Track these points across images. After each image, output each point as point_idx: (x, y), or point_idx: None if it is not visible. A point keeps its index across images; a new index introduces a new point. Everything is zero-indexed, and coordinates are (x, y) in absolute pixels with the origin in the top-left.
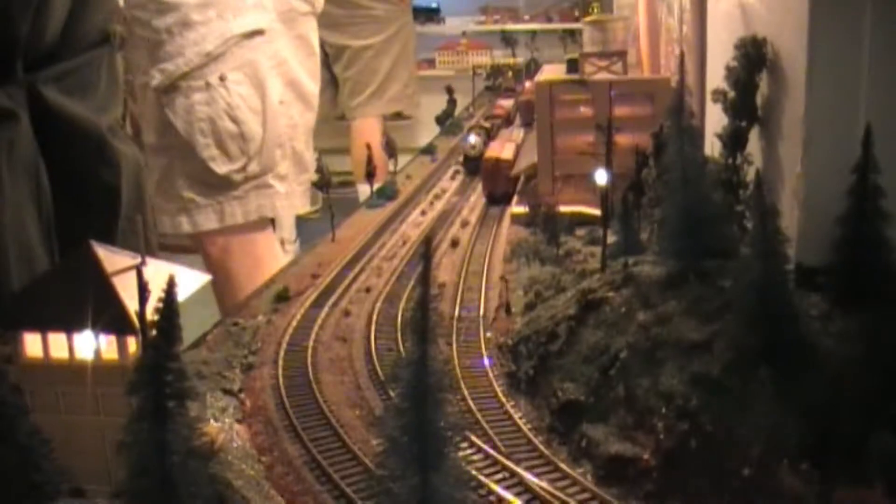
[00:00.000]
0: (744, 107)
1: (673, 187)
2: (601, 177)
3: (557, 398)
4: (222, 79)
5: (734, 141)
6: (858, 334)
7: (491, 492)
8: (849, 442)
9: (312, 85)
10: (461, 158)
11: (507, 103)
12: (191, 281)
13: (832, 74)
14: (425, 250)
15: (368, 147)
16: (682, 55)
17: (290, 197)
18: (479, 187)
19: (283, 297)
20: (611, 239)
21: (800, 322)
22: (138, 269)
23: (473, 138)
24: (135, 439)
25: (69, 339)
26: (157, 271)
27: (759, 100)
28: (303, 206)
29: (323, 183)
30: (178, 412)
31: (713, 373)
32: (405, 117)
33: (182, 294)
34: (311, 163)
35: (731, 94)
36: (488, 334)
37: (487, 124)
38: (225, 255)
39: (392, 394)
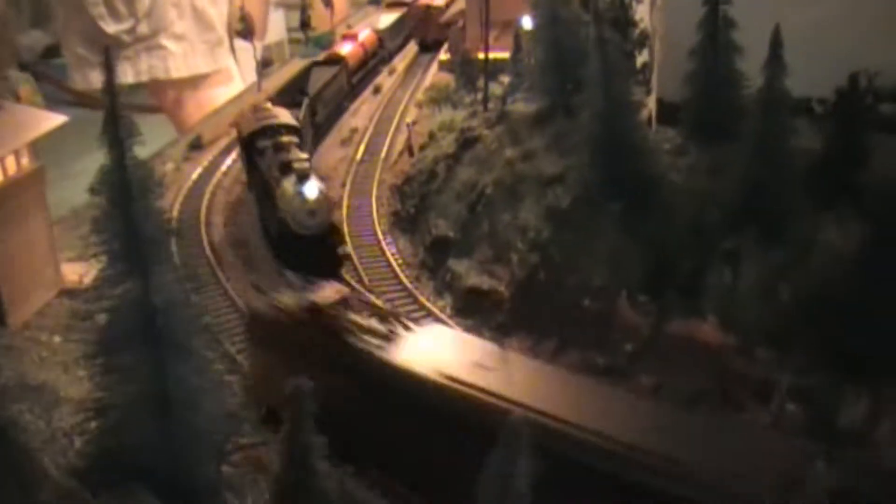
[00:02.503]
0: None
1: (543, 23)
2: (528, 22)
3: (431, 234)
4: None
5: None
6: (705, 169)
7: None
8: (685, 275)
9: None
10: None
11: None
12: (45, 121)
13: None
14: (105, 58)
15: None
16: None
17: (189, 57)
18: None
19: (196, 146)
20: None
21: (646, 155)
22: None
23: (310, 190)
24: None
25: None
26: (11, 114)
27: None
28: (207, 66)
29: (245, 33)
30: None
31: (563, 206)
32: None
33: (34, 132)
34: (219, 20)
35: None
36: (384, 176)
37: (299, 160)
38: (176, 107)
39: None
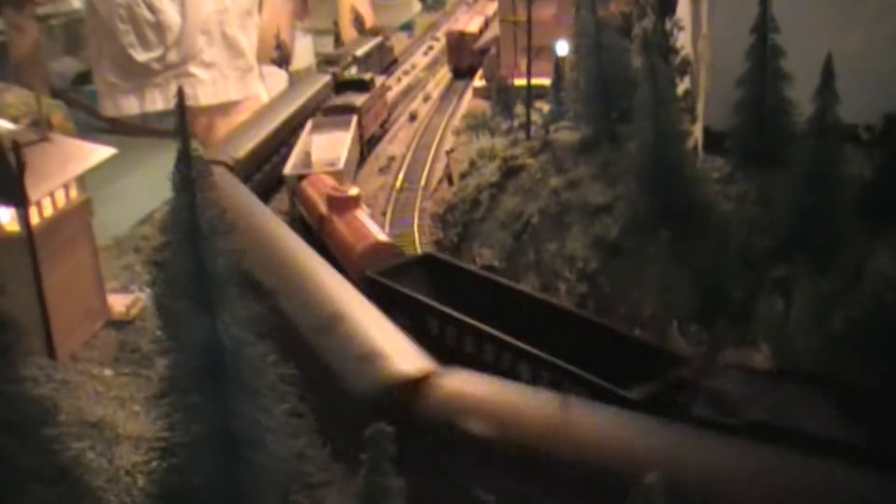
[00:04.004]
0: None
1: (586, 52)
2: (562, 48)
3: (475, 264)
4: None
5: (662, 5)
6: (754, 197)
7: None
8: (736, 304)
9: None
10: None
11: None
12: (94, 154)
13: None
14: (179, 101)
15: (335, 24)
16: None
17: (219, 84)
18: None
19: None
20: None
21: (696, 184)
22: (15, 143)
23: None
24: None
25: None
26: (61, 147)
27: None
28: (238, 93)
29: (280, 60)
30: None
31: (611, 235)
32: None
33: (82, 165)
34: (250, 47)
35: None
36: (424, 204)
37: None
38: (208, 133)
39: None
